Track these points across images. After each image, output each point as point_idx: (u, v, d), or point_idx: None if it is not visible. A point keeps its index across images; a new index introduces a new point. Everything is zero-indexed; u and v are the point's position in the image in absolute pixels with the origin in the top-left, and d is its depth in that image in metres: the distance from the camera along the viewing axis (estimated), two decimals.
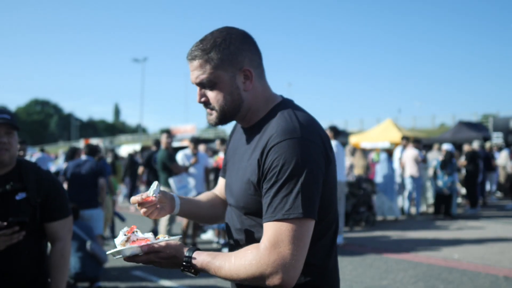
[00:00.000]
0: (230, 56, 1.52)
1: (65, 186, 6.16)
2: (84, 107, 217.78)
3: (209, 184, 8.52)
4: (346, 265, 6.58)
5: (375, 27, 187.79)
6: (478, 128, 20.45)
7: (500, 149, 16.38)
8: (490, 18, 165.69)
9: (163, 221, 7.67)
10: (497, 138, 18.30)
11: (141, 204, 1.59)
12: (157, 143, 10.03)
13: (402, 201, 11.62)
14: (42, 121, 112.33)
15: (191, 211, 1.79)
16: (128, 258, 1.47)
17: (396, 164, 11.47)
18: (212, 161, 9.37)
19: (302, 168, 1.40)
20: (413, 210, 11.67)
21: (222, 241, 7.97)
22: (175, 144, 16.34)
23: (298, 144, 1.42)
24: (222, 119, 1.59)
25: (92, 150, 6.95)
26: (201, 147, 9.25)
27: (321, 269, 1.55)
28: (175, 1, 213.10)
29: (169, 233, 7.56)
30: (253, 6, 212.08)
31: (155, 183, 1.62)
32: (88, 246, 5.41)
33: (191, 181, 8.18)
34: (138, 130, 67.19)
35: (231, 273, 1.41)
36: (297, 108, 1.59)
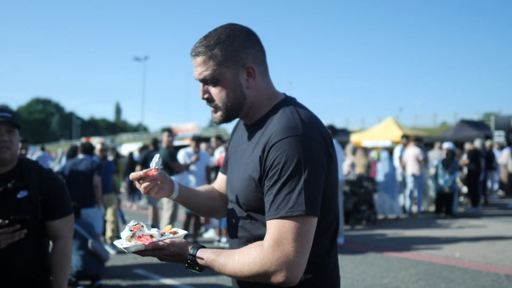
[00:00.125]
0: (233, 53, 1.53)
1: None
2: (86, 106, 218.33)
3: (210, 183, 8.52)
4: (347, 264, 6.58)
5: (376, 26, 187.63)
6: (480, 126, 20.45)
7: (502, 147, 16.35)
8: (491, 16, 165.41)
9: (164, 220, 7.68)
10: (498, 137, 18.28)
11: (142, 178, 1.59)
12: (155, 142, 10.01)
13: (404, 200, 11.61)
14: (44, 120, 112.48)
15: (189, 198, 1.79)
16: (134, 252, 1.50)
17: (396, 163, 11.47)
18: (214, 160, 9.35)
19: (305, 166, 1.40)
20: (414, 209, 11.67)
21: (223, 239, 7.97)
22: (176, 142, 16.34)
23: (300, 142, 1.42)
24: (227, 117, 1.60)
25: (88, 149, 6.92)
26: (203, 146, 9.24)
27: (321, 267, 1.55)
28: None
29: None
30: (254, 4, 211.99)
31: (157, 156, 1.63)
32: (90, 244, 5.42)
33: (192, 180, 8.18)
34: (139, 129, 67.20)
35: (235, 270, 1.42)
36: (300, 105, 1.60)
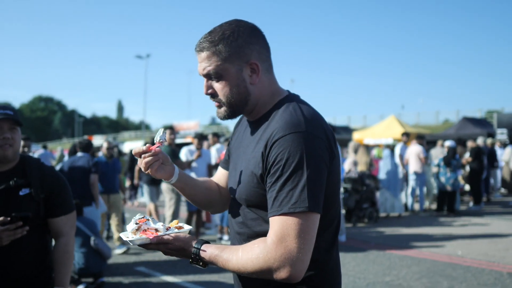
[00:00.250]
0: (237, 49, 1.53)
1: None
2: (88, 103, 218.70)
3: None
4: (349, 261, 6.58)
5: (378, 24, 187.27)
6: (483, 124, 20.38)
7: (504, 145, 16.31)
8: (494, 14, 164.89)
9: (167, 217, 7.69)
10: (501, 135, 18.23)
11: (144, 152, 1.60)
12: (153, 142, 9.97)
13: (405, 198, 11.60)
14: (46, 117, 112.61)
15: (187, 185, 1.79)
16: (139, 245, 1.51)
17: (396, 160, 11.46)
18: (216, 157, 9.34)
19: (307, 162, 1.40)
20: (416, 207, 11.66)
21: (225, 237, 7.97)
22: (178, 140, 16.34)
23: (303, 138, 1.42)
24: (231, 113, 1.60)
25: (86, 146, 6.89)
26: (205, 144, 9.23)
27: (322, 264, 1.55)
28: None
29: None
30: (257, 1, 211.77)
31: (161, 129, 1.63)
32: (92, 242, 5.43)
33: (194, 177, 8.16)
34: (141, 127, 67.30)
35: (239, 266, 1.43)
36: (303, 102, 1.59)
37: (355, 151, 10.45)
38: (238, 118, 1.81)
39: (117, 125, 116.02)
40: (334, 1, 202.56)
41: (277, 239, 1.38)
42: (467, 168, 12.56)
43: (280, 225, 1.39)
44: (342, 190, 9.16)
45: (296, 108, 1.53)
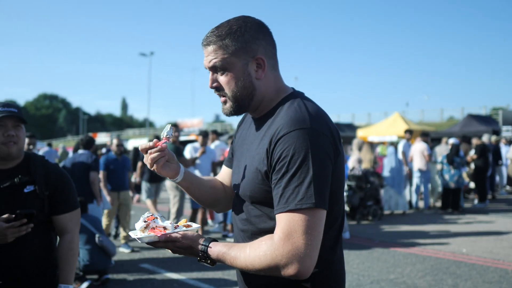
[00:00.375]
0: (244, 44, 1.53)
1: None
2: (92, 101, 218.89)
3: None
4: (354, 259, 6.58)
5: (382, 21, 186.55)
6: (488, 121, 20.30)
7: (510, 142, 16.23)
8: (498, 11, 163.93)
9: (171, 214, 7.70)
10: (507, 132, 18.15)
11: (151, 148, 1.60)
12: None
13: (409, 195, 11.57)
14: (51, 115, 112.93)
15: (192, 184, 1.79)
16: (147, 243, 1.53)
17: (399, 157, 11.43)
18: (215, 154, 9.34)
19: (313, 158, 1.40)
20: (421, 204, 11.63)
21: (230, 235, 7.98)
22: (182, 138, 16.37)
23: (308, 135, 1.42)
24: (237, 108, 1.59)
25: (87, 143, 6.86)
26: (209, 141, 9.22)
27: (326, 261, 1.54)
28: None
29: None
30: (261, 0, 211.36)
31: (168, 125, 1.63)
32: (97, 239, 5.44)
33: (198, 174, 8.18)
34: (145, 124, 67.40)
35: (246, 263, 1.43)
36: (307, 99, 1.59)
37: (359, 148, 10.43)
38: (241, 116, 1.81)
39: (121, 123, 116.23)
40: None
41: (284, 236, 1.38)
42: (472, 166, 12.51)
43: (287, 222, 1.38)
44: (346, 187, 9.15)
45: (301, 104, 1.52)
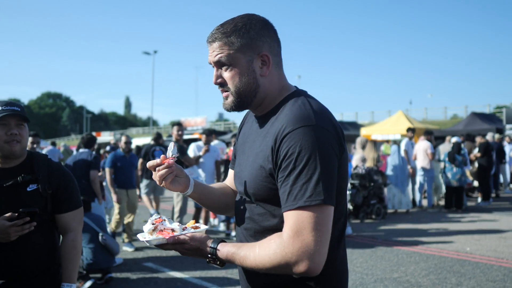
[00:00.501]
0: (249, 40, 1.54)
1: None
2: (96, 100, 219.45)
3: (220, 177, 8.53)
4: (357, 258, 6.57)
5: (386, 19, 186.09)
6: (491, 119, 20.19)
7: None
8: (501, 10, 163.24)
9: (175, 213, 7.70)
10: (510, 130, 18.08)
11: (159, 165, 1.60)
12: (157, 137, 9.98)
13: (412, 193, 11.54)
14: (54, 114, 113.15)
15: (203, 195, 1.78)
16: (156, 245, 1.53)
17: (402, 155, 11.41)
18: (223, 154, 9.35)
19: (320, 155, 1.39)
20: (425, 202, 11.60)
21: (233, 233, 7.98)
22: (185, 136, 16.37)
23: (314, 131, 1.42)
24: (239, 104, 1.59)
25: (87, 142, 6.85)
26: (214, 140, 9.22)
27: (329, 260, 1.53)
28: None
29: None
30: None
31: (172, 144, 1.64)
32: (100, 237, 5.45)
33: (201, 174, 8.18)
34: (149, 123, 67.48)
35: (256, 263, 1.42)
36: (311, 97, 1.60)
37: (363, 147, 10.41)
38: (243, 114, 1.81)
39: (124, 121, 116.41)
40: None
41: (293, 233, 1.37)
42: (476, 164, 12.46)
43: (296, 219, 1.38)
44: (349, 186, 9.13)
45: (305, 102, 1.52)
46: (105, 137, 41.98)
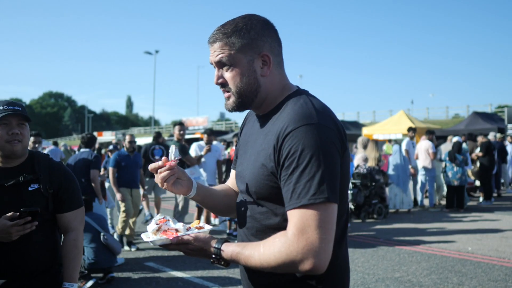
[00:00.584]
0: (250, 40, 1.54)
1: None
2: (97, 99, 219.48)
3: (221, 177, 8.53)
4: (359, 257, 6.56)
5: (388, 19, 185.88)
6: (493, 119, 20.20)
7: None
8: (503, 9, 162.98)
9: (176, 213, 7.71)
10: None
11: (161, 167, 1.60)
12: (157, 137, 9.96)
13: (414, 193, 11.53)
14: (56, 113, 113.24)
15: (206, 197, 1.79)
16: (160, 245, 1.54)
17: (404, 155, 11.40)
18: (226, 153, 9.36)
19: (323, 153, 1.40)
20: (426, 202, 11.59)
21: (235, 233, 7.99)
22: (187, 136, 16.38)
23: (316, 130, 1.42)
24: (240, 104, 1.60)
25: (88, 142, 6.84)
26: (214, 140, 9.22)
27: (331, 260, 1.53)
28: None
29: None
30: None
31: (173, 147, 1.64)
32: (102, 237, 5.46)
33: (203, 173, 8.19)
34: (150, 123, 67.51)
35: (261, 262, 1.42)
36: (312, 96, 1.60)
37: (364, 146, 10.41)
38: (245, 114, 1.81)
39: (126, 121, 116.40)
40: None
41: (298, 231, 1.37)
42: (478, 164, 12.45)
43: (300, 217, 1.38)
44: (350, 185, 9.13)
45: (307, 101, 1.53)
46: (106, 136, 42.09)
